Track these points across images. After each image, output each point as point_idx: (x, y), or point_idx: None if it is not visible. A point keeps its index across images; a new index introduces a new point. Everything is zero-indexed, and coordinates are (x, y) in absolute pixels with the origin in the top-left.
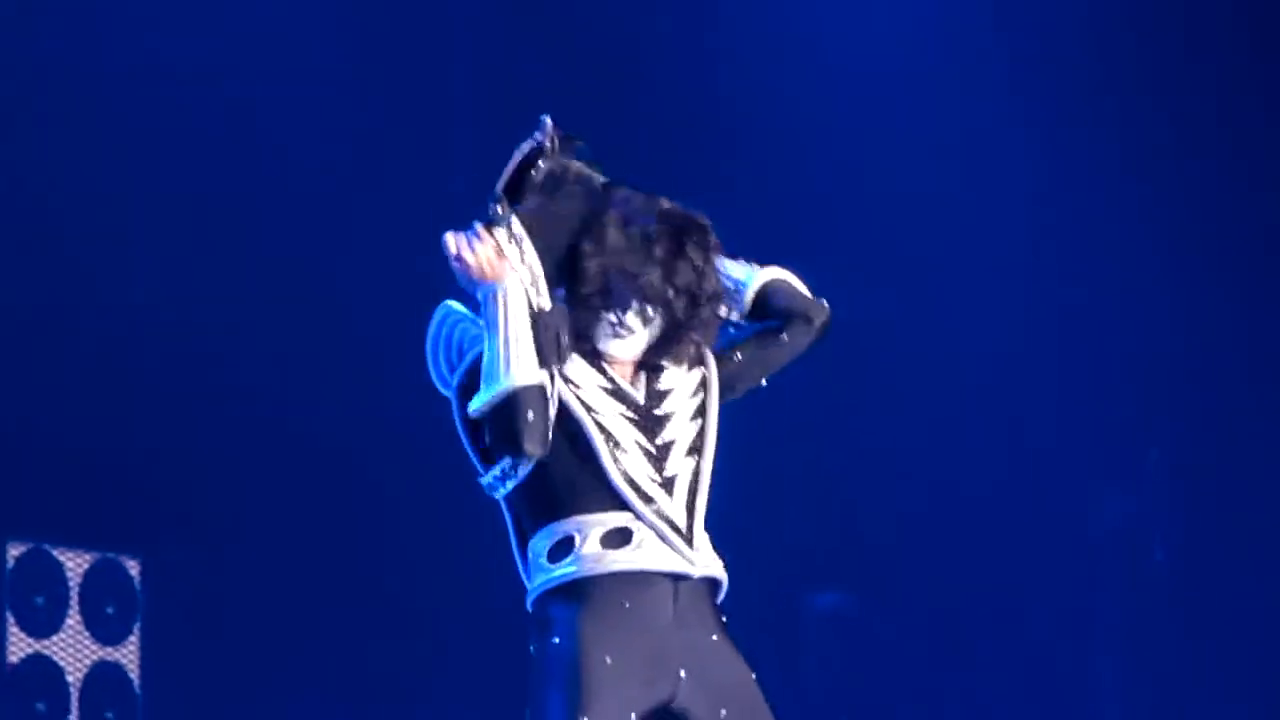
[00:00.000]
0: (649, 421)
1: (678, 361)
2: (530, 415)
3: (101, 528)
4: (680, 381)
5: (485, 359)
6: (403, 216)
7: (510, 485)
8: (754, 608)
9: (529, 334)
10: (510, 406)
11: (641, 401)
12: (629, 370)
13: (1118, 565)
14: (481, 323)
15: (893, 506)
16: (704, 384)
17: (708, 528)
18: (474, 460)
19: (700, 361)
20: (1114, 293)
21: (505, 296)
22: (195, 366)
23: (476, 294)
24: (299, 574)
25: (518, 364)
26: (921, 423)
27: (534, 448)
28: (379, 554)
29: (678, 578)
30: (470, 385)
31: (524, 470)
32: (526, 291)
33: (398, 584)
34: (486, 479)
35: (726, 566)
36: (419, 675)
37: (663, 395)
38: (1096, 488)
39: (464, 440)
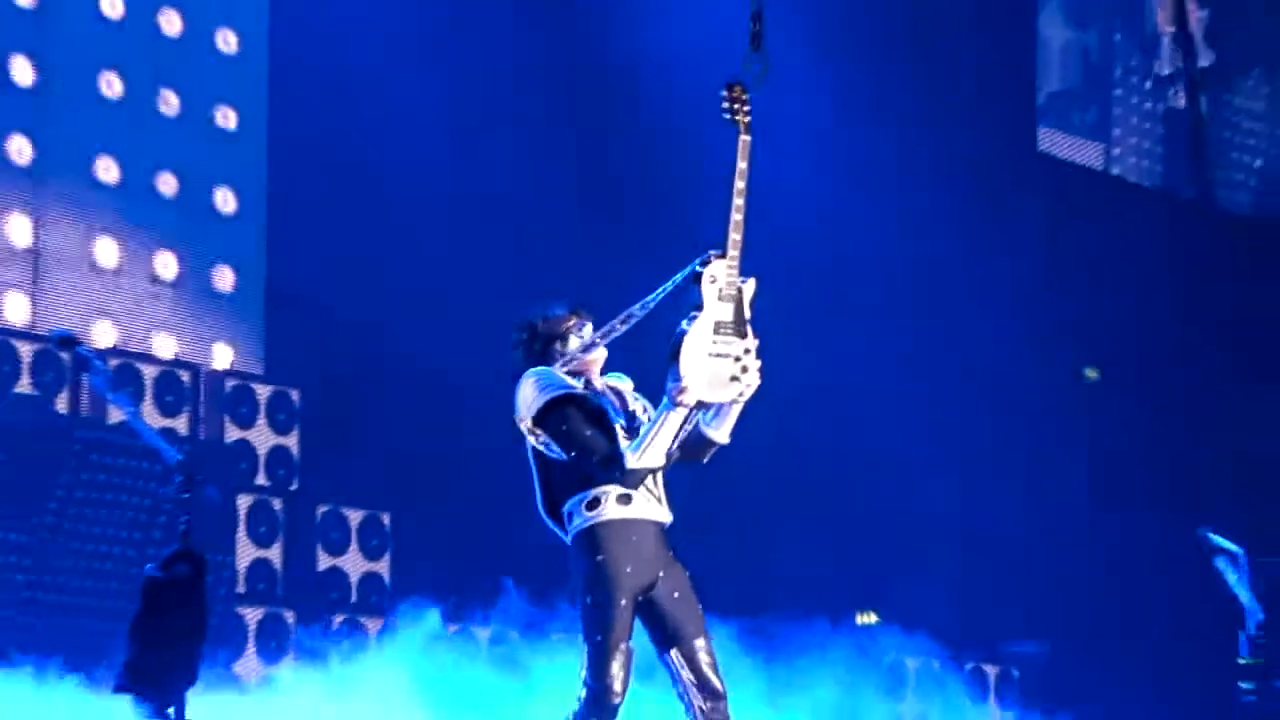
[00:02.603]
0: (631, 421)
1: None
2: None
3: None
4: (629, 395)
5: (657, 432)
6: None
7: (549, 453)
8: None
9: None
10: (651, 471)
11: (620, 408)
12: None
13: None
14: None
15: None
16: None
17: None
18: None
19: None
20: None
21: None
22: None
23: (676, 405)
24: None
25: (667, 449)
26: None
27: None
28: None
29: (659, 524)
30: (547, 412)
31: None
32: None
33: None
34: (534, 438)
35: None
36: None
37: (627, 403)
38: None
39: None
